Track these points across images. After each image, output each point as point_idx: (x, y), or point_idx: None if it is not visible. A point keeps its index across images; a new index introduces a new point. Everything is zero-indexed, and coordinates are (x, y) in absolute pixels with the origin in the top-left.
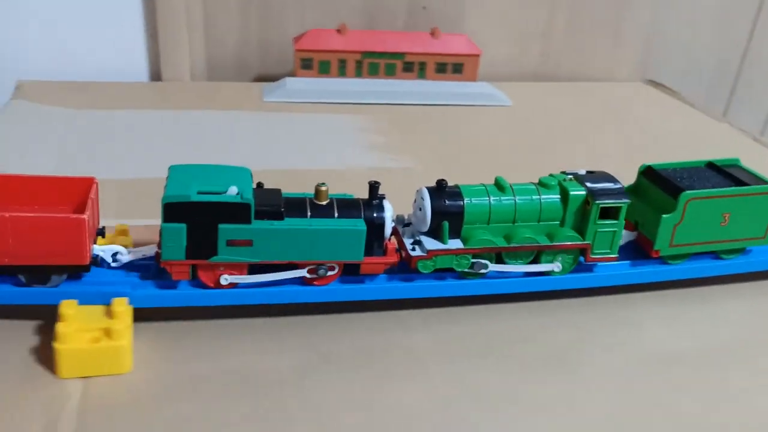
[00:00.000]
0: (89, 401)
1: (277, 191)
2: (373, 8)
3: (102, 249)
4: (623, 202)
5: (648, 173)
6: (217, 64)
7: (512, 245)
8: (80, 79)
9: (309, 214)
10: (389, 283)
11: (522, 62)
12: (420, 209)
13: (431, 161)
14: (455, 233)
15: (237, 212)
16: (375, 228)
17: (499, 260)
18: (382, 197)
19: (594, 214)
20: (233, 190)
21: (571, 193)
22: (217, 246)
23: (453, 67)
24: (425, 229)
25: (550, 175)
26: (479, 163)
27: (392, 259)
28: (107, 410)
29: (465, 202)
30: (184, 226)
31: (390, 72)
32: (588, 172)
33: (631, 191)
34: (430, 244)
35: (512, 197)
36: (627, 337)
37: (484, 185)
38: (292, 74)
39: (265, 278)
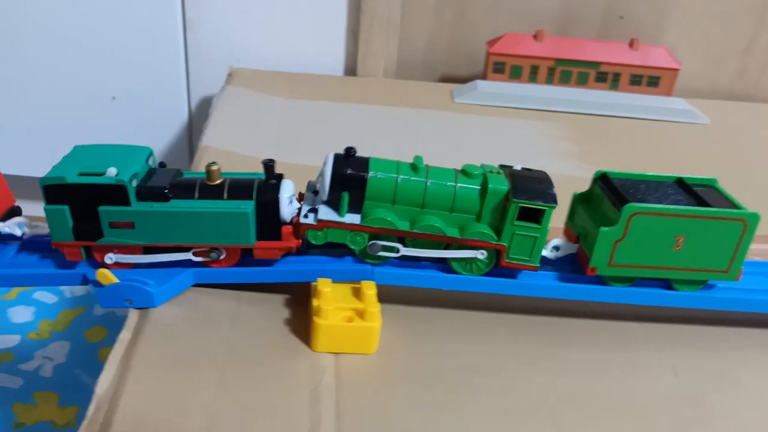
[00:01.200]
0: (342, 376)
1: (176, 171)
2: (567, 15)
3: (6, 224)
4: (546, 206)
5: (602, 181)
6: (406, 62)
7: (413, 231)
8: (282, 69)
9: (197, 195)
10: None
11: (717, 78)
12: (322, 175)
13: None
14: (356, 208)
15: (114, 194)
16: (268, 210)
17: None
18: (279, 177)
19: (512, 213)
20: (112, 171)
21: (490, 186)
22: (102, 229)
23: (648, 80)
24: (324, 197)
25: (482, 165)
26: None
27: (286, 243)
28: (360, 387)
29: (369, 175)
30: (66, 207)
31: (582, 81)
32: (524, 168)
33: (583, 199)
34: (325, 214)
35: (423, 179)
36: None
37: (398, 162)
38: (481, 77)
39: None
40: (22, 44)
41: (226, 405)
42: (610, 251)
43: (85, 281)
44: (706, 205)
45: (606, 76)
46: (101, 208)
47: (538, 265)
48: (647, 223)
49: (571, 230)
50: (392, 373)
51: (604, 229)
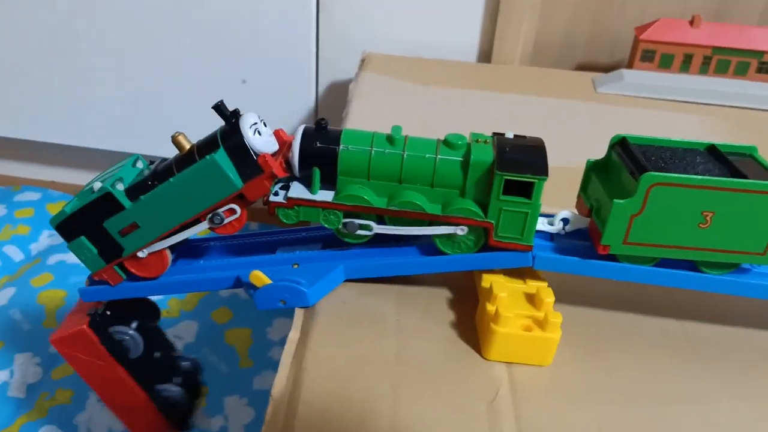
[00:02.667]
0: (518, 389)
1: (160, 160)
2: (723, 0)
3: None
4: (536, 178)
5: (620, 147)
6: (542, 49)
7: (390, 207)
8: (412, 53)
9: (175, 171)
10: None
11: None
12: (292, 150)
13: None
14: (330, 184)
15: (107, 204)
16: (237, 148)
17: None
18: (236, 113)
19: (497, 187)
20: (97, 185)
21: (473, 157)
22: (118, 241)
23: None
24: (296, 173)
25: (471, 133)
26: None
27: (267, 169)
28: (539, 402)
29: (340, 148)
30: (82, 238)
31: (741, 72)
32: (517, 136)
33: (598, 168)
34: (296, 191)
35: (400, 151)
36: None
37: (373, 133)
38: (625, 66)
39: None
40: (157, 26)
41: (404, 414)
42: (625, 227)
43: (238, 283)
44: (742, 176)
45: None
46: (106, 223)
47: (531, 244)
48: (670, 195)
49: (584, 202)
50: (570, 389)
51: (618, 201)
